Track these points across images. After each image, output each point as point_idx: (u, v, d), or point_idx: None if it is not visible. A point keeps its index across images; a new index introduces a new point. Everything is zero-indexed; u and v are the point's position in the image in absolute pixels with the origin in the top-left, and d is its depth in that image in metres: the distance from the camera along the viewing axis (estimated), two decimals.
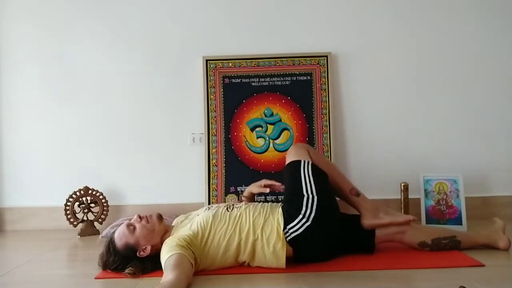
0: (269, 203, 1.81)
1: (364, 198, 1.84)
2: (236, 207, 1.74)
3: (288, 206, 1.70)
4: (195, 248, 1.58)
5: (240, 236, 1.63)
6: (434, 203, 2.31)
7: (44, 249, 2.10)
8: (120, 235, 1.65)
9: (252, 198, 2.02)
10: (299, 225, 1.63)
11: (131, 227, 1.66)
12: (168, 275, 1.41)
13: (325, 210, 1.67)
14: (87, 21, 2.60)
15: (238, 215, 1.69)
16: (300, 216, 1.64)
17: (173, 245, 1.54)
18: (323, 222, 1.66)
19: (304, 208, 1.65)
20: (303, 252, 1.65)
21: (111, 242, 1.66)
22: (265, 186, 1.93)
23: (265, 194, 2.23)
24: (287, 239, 1.63)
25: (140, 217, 1.70)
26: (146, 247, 1.64)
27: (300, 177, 1.72)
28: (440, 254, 1.74)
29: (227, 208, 1.73)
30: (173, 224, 1.78)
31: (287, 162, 1.84)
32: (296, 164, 1.77)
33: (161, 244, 1.63)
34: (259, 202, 1.95)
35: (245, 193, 2.02)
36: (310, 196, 1.67)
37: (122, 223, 1.71)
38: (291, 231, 1.63)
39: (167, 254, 1.50)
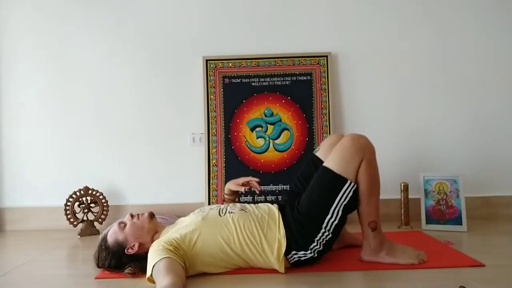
0: (267, 209, 1.68)
1: (377, 234, 1.64)
2: (229, 212, 1.64)
3: (297, 233, 1.57)
4: (183, 252, 1.53)
5: (234, 245, 1.57)
6: (434, 203, 2.31)
7: (44, 249, 2.10)
8: (111, 232, 1.67)
9: (234, 194, 1.94)
10: (302, 254, 1.59)
11: (122, 225, 1.68)
12: (162, 280, 1.36)
13: (331, 242, 1.62)
14: (87, 22, 2.60)
15: (231, 223, 1.59)
16: (308, 251, 1.58)
17: (159, 249, 1.49)
18: (326, 251, 1.63)
19: (314, 243, 1.57)
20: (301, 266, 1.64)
21: (103, 239, 1.68)
22: (243, 184, 1.87)
23: (241, 192, 2.03)
24: (291, 261, 1.60)
25: (132, 215, 1.71)
26: (134, 245, 1.62)
27: (330, 206, 1.56)
28: (440, 254, 1.75)
29: (219, 212, 1.65)
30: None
31: (332, 159, 1.59)
32: (337, 183, 1.56)
33: (151, 243, 1.61)
34: (252, 203, 1.79)
35: (225, 191, 1.93)
36: (326, 233, 1.57)
37: (116, 221, 1.73)
38: (294, 256, 1.59)
39: (154, 260, 1.45)
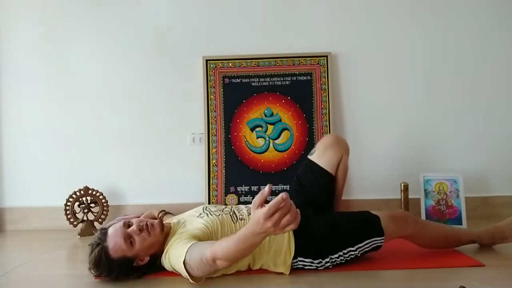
0: None
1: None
2: (240, 219, 1.62)
3: (314, 241, 1.59)
4: None
5: None
6: (434, 203, 2.31)
7: (44, 249, 2.10)
8: (116, 248, 1.47)
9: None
10: (309, 262, 1.60)
11: (129, 241, 1.49)
12: (225, 244, 1.26)
13: (341, 265, 1.63)
14: (87, 22, 2.60)
15: None
16: (317, 261, 1.60)
17: (188, 237, 1.42)
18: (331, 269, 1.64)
19: (326, 259, 1.60)
20: None
21: (104, 254, 1.47)
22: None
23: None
24: (293, 266, 1.59)
25: (140, 229, 1.51)
26: (144, 258, 1.53)
27: (358, 243, 1.61)
28: (440, 254, 1.74)
29: (232, 219, 1.62)
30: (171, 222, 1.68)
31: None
32: (373, 222, 1.63)
33: (160, 249, 1.54)
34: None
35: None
36: (341, 256, 1.61)
37: (116, 229, 1.52)
38: (300, 263, 1.59)
39: (186, 246, 1.36)
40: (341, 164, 1.89)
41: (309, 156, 1.96)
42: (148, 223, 1.54)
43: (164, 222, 1.65)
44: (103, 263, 1.48)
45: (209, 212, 1.66)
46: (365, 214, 1.69)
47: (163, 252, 1.52)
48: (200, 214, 1.65)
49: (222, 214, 1.63)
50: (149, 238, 1.51)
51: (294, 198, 1.83)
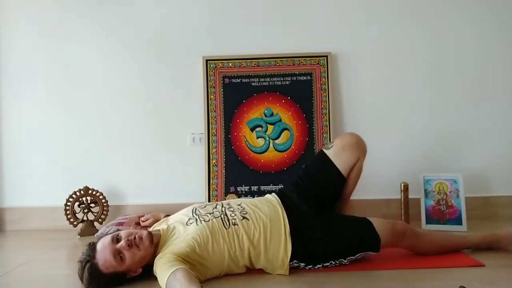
0: (268, 212, 1.63)
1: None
2: (233, 224, 1.56)
3: (309, 250, 1.61)
4: (193, 262, 1.46)
5: (241, 258, 1.56)
6: (434, 203, 2.31)
7: (44, 249, 2.10)
8: (107, 265, 1.45)
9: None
10: (303, 265, 1.62)
11: (118, 257, 1.46)
12: (189, 286, 1.28)
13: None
14: (87, 22, 2.60)
15: (237, 237, 1.55)
16: (310, 265, 1.62)
17: (171, 260, 1.40)
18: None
19: (319, 265, 1.63)
20: None
21: (95, 271, 1.45)
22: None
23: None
24: (290, 267, 1.60)
25: (129, 245, 1.47)
26: (137, 270, 1.51)
27: (350, 255, 1.63)
28: (440, 254, 1.74)
29: (223, 224, 1.56)
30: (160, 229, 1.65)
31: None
32: (371, 239, 1.63)
33: (152, 258, 1.51)
34: (251, 200, 1.73)
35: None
36: (333, 263, 1.64)
37: (104, 246, 1.49)
38: (295, 264, 1.60)
39: (167, 272, 1.35)
40: (356, 166, 1.81)
41: (324, 150, 1.84)
42: (137, 236, 1.50)
43: (152, 229, 1.64)
44: (97, 280, 1.46)
45: (199, 216, 1.60)
46: (366, 228, 1.65)
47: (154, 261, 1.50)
48: (189, 220, 1.60)
49: (212, 219, 1.57)
50: (139, 253, 1.49)
51: (295, 192, 1.79)
